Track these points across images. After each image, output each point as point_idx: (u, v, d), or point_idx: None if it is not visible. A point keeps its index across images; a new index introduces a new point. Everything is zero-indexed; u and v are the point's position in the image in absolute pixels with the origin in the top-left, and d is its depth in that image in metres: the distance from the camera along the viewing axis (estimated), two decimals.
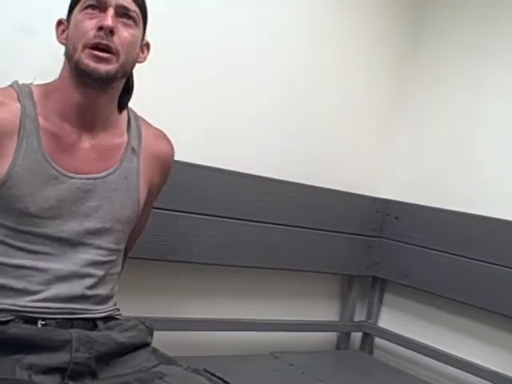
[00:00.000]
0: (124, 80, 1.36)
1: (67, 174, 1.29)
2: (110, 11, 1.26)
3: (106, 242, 1.35)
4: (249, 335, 2.28)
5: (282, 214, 2.22)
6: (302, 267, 2.34)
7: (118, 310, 1.43)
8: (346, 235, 2.43)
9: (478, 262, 2.18)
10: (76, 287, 1.30)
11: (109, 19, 1.25)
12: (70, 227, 1.30)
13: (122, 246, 1.44)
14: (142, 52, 1.40)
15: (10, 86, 1.33)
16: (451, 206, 2.32)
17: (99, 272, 1.34)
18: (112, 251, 1.38)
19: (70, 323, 1.28)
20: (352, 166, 2.56)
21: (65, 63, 1.33)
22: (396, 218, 2.49)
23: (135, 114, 1.47)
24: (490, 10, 2.40)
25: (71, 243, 1.30)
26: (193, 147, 2.03)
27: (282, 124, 2.30)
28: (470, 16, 2.46)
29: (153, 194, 1.50)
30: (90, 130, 1.34)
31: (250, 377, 1.94)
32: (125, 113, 1.44)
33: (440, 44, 2.55)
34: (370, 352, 2.59)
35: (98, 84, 1.27)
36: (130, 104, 1.47)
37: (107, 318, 1.36)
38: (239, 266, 2.16)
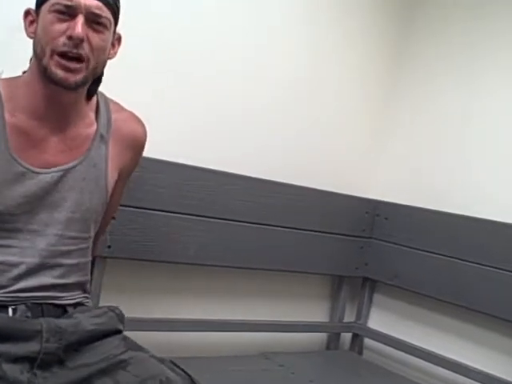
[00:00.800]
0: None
1: (36, 169, 1.29)
2: (80, 19, 1.22)
3: (75, 231, 1.36)
4: (239, 336, 2.28)
5: (272, 215, 2.22)
6: (293, 268, 2.34)
7: (88, 298, 1.44)
8: (336, 236, 2.44)
9: (468, 263, 2.19)
10: (46, 278, 1.31)
11: (79, 28, 1.22)
12: (39, 218, 1.30)
13: (92, 234, 1.44)
14: (113, 48, 1.37)
15: None
16: (441, 207, 2.32)
17: (70, 261, 1.36)
18: (82, 239, 1.39)
19: (39, 308, 1.30)
20: (342, 167, 2.57)
21: (33, 58, 1.30)
22: (386, 218, 2.50)
23: (105, 97, 1.45)
24: (480, 10, 2.41)
25: (41, 234, 1.31)
26: (183, 148, 2.03)
27: (273, 126, 2.31)
28: (461, 16, 2.47)
29: (124, 175, 1.49)
30: (59, 124, 1.33)
31: (240, 377, 1.94)
32: (94, 99, 1.41)
33: (431, 44, 2.56)
34: (360, 352, 2.60)
35: (66, 90, 1.28)
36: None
37: (77, 305, 1.38)
38: (229, 266, 2.16)
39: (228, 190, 2.09)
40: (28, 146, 1.29)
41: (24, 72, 1.35)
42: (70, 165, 1.34)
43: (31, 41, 1.30)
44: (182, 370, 1.32)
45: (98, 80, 1.39)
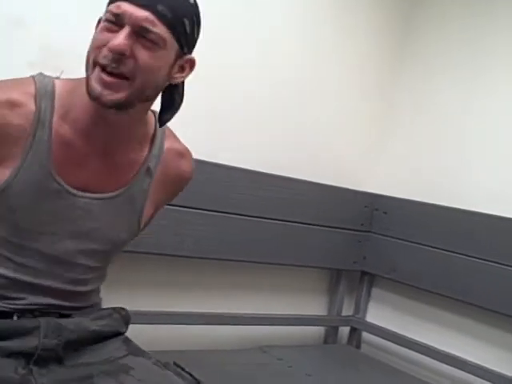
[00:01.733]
0: (154, 99, 1.23)
1: (71, 190, 1.20)
2: (125, 30, 1.08)
3: (96, 261, 1.30)
4: (237, 329, 2.28)
5: (270, 208, 2.22)
6: (291, 261, 2.34)
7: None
8: (335, 230, 2.43)
9: (466, 257, 2.19)
10: (56, 301, 1.26)
11: (118, 40, 1.08)
12: (62, 246, 1.22)
13: (110, 263, 1.39)
14: (181, 71, 1.22)
15: (32, 77, 1.20)
16: (440, 201, 2.32)
17: (83, 288, 1.30)
18: (102, 269, 1.35)
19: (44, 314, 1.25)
20: (342, 161, 2.57)
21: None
22: (385, 212, 2.50)
23: (164, 129, 1.33)
24: (479, 8, 2.40)
25: (60, 261, 1.24)
26: (186, 141, 2.02)
27: (272, 119, 2.30)
28: (460, 13, 2.47)
29: (159, 208, 1.40)
30: (105, 146, 1.22)
31: (238, 371, 1.94)
32: (151, 128, 1.30)
33: (431, 42, 2.56)
34: (358, 346, 2.60)
35: (108, 109, 1.14)
36: None
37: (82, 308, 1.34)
38: (227, 259, 2.16)
39: (226, 183, 2.09)
40: (69, 163, 1.19)
41: None
42: (108, 195, 1.24)
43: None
44: (188, 372, 1.31)
45: (171, 106, 1.27)
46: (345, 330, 2.64)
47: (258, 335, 2.34)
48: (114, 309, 1.37)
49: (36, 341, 1.18)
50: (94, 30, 1.16)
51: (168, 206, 1.93)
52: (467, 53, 2.42)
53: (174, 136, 1.37)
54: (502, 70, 2.31)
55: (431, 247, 2.30)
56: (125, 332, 1.36)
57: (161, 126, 1.29)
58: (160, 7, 1.09)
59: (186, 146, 1.40)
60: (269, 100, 2.28)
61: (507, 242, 2.10)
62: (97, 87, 1.10)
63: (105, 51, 1.09)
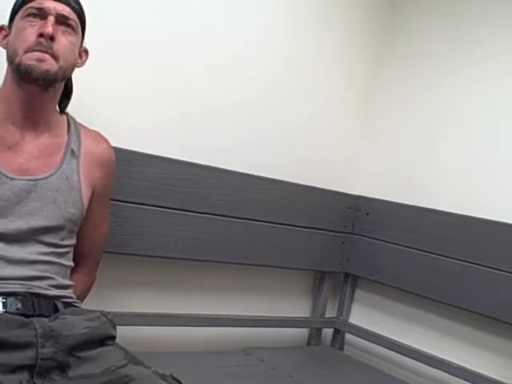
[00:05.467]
0: (63, 83, 1.45)
1: (9, 175, 1.33)
2: (51, 19, 1.35)
3: (53, 238, 1.39)
4: (220, 331, 2.27)
5: (253, 210, 2.21)
6: (274, 263, 2.33)
7: (76, 301, 1.45)
8: (318, 231, 2.43)
9: (449, 259, 2.19)
10: (29, 271, 1.33)
11: (49, 27, 1.34)
12: (15, 225, 1.33)
13: (69, 243, 1.46)
14: (81, 58, 1.49)
15: None
16: (423, 203, 2.33)
17: (49, 267, 1.38)
18: (60, 247, 1.42)
19: (30, 302, 1.30)
20: (324, 162, 2.56)
21: (7, 69, 1.40)
22: (367, 214, 2.50)
23: (74, 119, 1.54)
24: (462, 7, 2.41)
25: (19, 241, 1.34)
26: (167, 141, 2.02)
27: (257, 119, 2.30)
28: (445, 8, 2.47)
29: (99, 194, 1.54)
30: (33, 129, 1.41)
31: (220, 373, 1.93)
32: (64, 117, 1.51)
33: (413, 39, 2.56)
34: (341, 348, 2.60)
35: (38, 83, 1.35)
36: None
37: (66, 303, 1.39)
38: (210, 261, 2.15)
39: (211, 185, 2.08)
40: (2, 150, 1.35)
41: None
42: (43, 175, 1.39)
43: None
44: None
45: (68, 95, 1.52)
46: (328, 332, 2.63)
47: (240, 337, 2.33)
48: (100, 312, 1.40)
49: (34, 352, 1.20)
50: None
51: (150, 208, 1.95)
52: (448, 52, 2.42)
53: (85, 126, 1.55)
54: (482, 69, 2.31)
55: (414, 249, 2.31)
56: (115, 336, 1.39)
57: (62, 110, 1.51)
58: (72, 2, 1.41)
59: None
60: (254, 102, 2.27)
61: (491, 245, 2.10)
62: (32, 62, 1.33)
63: (34, 38, 1.34)
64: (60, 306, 1.36)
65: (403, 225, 2.37)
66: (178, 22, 2.03)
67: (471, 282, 2.13)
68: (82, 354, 1.27)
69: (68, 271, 1.47)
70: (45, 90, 1.38)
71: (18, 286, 1.30)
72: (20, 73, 1.34)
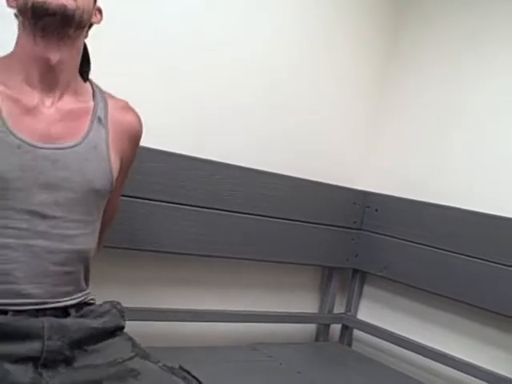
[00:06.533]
0: (81, 44, 1.35)
1: (31, 142, 1.22)
2: None
3: (78, 213, 1.29)
4: (228, 326, 2.27)
5: (262, 206, 2.21)
6: (282, 259, 2.33)
7: (88, 293, 1.39)
8: (327, 227, 2.43)
9: (458, 255, 2.19)
10: (46, 263, 1.24)
11: None
12: (37, 199, 1.22)
13: (97, 218, 1.37)
14: (95, 15, 1.39)
15: None
16: (431, 198, 2.32)
17: (72, 246, 1.29)
18: (86, 223, 1.32)
19: (41, 313, 1.23)
20: (333, 158, 2.56)
21: (19, 28, 1.29)
22: (376, 210, 2.50)
23: (99, 87, 1.43)
24: (471, 4, 2.40)
25: (41, 216, 1.23)
26: (175, 136, 2.02)
27: (265, 115, 2.30)
28: (450, 11, 2.46)
29: (124, 168, 1.45)
30: (52, 90, 1.29)
31: (228, 368, 1.93)
32: (88, 84, 1.41)
33: (423, 37, 2.55)
34: (349, 344, 2.60)
35: (56, 21, 1.23)
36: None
37: (79, 305, 1.33)
38: (219, 256, 2.15)
39: (218, 180, 2.08)
40: (21, 114, 1.24)
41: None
42: (69, 144, 1.28)
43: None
44: (194, 376, 1.30)
45: (87, 61, 1.40)
46: (336, 328, 2.64)
47: (249, 332, 2.33)
48: (110, 303, 1.37)
49: (40, 343, 1.18)
50: None
51: (158, 203, 1.95)
52: (457, 50, 2.42)
53: (112, 95, 1.44)
54: (491, 67, 2.30)
55: (423, 245, 2.30)
56: (124, 326, 1.36)
57: (85, 78, 1.39)
58: None
59: None
60: (261, 97, 2.28)
61: (500, 241, 2.09)
62: (49, 1, 1.21)
63: None
64: (72, 310, 1.31)
65: (412, 221, 2.36)
66: (190, 20, 2.04)
67: (479, 278, 2.12)
68: (88, 347, 1.25)
69: (90, 254, 1.37)
70: (62, 40, 1.26)
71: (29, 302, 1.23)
72: (35, 12, 1.22)
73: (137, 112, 1.47)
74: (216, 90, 2.14)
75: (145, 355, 1.32)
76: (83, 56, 1.38)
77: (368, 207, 2.53)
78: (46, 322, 1.20)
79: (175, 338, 2.12)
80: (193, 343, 2.11)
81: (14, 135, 1.21)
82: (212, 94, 2.14)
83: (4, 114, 1.21)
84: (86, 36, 1.38)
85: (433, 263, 2.26)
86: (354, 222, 2.52)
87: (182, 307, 2.11)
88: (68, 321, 1.25)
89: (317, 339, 2.61)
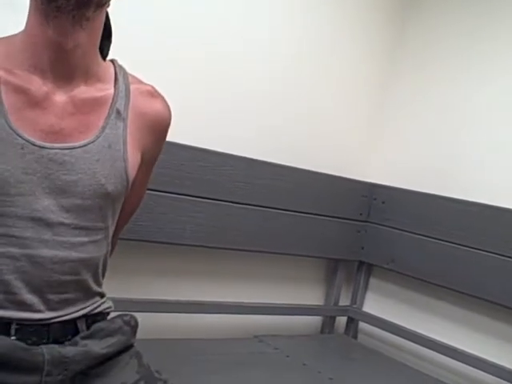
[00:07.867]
0: (102, 20, 1.14)
1: (36, 142, 1.07)
2: None
3: (88, 220, 1.15)
4: (234, 318, 2.27)
5: (269, 197, 2.20)
6: (288, 251, 2.33)
7: (106, 301, 1.27)
8: (333, 219, 2.42)
9: (464, 248, 2.18)
10: (52, 274, 1.11)
11: None
12: (41, 205, 1.09)
13: (110, 224, 1.22)
14: None
15: None
16: (438, 191, 2.31)
17: (82, 255, 1.15)
18: (96, 230, 1.18)
19: (46, 329, 1.12)
20: (340, 150, 2.55)
21: (30, 6, 1.10)
22: (383, 202, 2.49)
23: (124, 68, 1.25)
24: (473, 2, 2.39)
25: (46, 223, 1.09)
26: (186, 128, 2.01)
27: (273, 108, 2.29)
28: (458, 4, 2.45)
29: (146, 161, 1.27)
30: (66, 78, 1.11)
31: (234, 360, 1.93)
32: (110, 65, 1.22)
33: (426, 37, 2.55)
34: (355, 336, 2.60)
35: (71, 4, 1.03)
36: None
37: (89, 317, 1.21)
38: (225, 248, 2.14)
39: (226, 171, 2.08)
40: (27, 107, 1.08)
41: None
42: (80, 143, 1.12)
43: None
44: None
45: (108, 35, 1.21)
46: (342, 320, 2.63)
47: (254, 325, 2.33)
48: (122, 320, 1.25)
49: (38, 377, 1.08)
50: None
51: (166, 194, 1.94)
52: (466, 42, 2.40)
53: (137, 78, 1.26)
54: (501, 59, 2.29)
55: (430, 237, 2.29)
56: (133, 344, 1.26)
57: (104, 54, 1.21)
58: None
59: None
60: (268, 89, 2.26)
61: (507, 234, 2.08)
62: None
63: None
64: (82, 325, 1.19)
65: (419, 213, 2.35)
66: (197, 11, 2.03)
67: (486, 271, 2.11)
68: (91, 372, 1.15)
69: (102, 260, 1.24)
70: (78, 22, 1.06)
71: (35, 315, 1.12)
72: None
73: (164, 98, 1.29)
74: (222, 82, 2.13)
75: (150, 377, 1.23)
76: (104, 30, 1.18)
77: (375, 199, 2.51)
78: (48, 353, 1.10)
79: (180, 329, 2.12)
80: (198, 335, 2.10)
81: (17, 133, 1.06)
82: (218, 86, 2.12)
83: (7, 107, 1.06)
84: (108, 5, 1.15)
85: (440, 256, 2.25)
86: (361, 214, 2.51)
87: (186, 299, 2.11)
88: (71, 350, 1.12)
89: (322, 331, 2.61)
